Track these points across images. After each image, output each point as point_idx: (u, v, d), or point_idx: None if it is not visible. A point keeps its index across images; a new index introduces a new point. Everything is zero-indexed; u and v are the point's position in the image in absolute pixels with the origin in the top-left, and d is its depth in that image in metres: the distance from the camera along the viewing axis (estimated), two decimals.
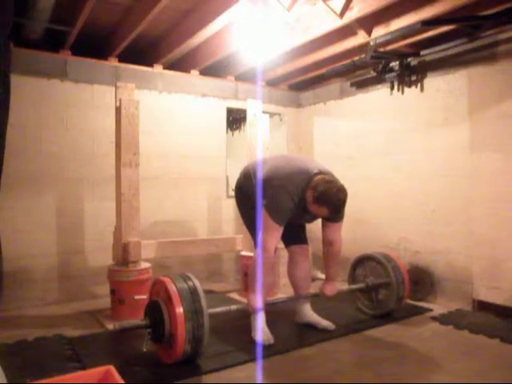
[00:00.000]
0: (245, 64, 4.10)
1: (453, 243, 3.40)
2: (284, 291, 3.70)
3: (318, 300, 3.01)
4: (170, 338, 2.21)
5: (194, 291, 2.26)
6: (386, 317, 3.06)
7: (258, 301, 2.55)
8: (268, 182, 2.56)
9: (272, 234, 2.49)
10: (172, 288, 2.23)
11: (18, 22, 3.16)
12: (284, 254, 3.09)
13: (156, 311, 2.26)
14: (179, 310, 2.16)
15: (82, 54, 3.70)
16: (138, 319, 2.34)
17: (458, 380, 2.11)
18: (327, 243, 2.76)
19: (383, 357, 2.41)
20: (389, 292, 3.02)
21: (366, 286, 3.10)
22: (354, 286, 3.18)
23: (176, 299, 2.19)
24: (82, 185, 3.70)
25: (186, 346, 2.16)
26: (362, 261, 3.25)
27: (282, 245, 2.90)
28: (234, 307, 2.61)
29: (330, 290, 2.85)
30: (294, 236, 2.89)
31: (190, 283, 2.30)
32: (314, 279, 4.04)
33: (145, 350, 2.26)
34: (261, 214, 2.52)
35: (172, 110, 4.15)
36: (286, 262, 3.05)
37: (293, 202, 2.47)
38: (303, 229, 2.95)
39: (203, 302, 2.23)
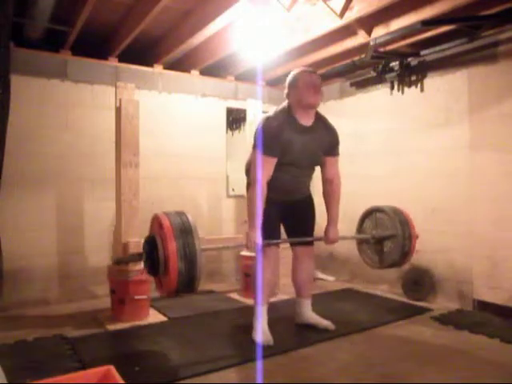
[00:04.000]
0: (245, 64, 4.10)
1: (453, 243, 3.40)
2: (284, 291, 3.70)
3: (318, 300, 3.01)
4: (165, 261, 2.23)
5: (182, 215, 2.33)
6: (387, 316, 3.06)
7: (258, 235, 2.49)
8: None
9: (261, 166, 2.49)
10: (162, 215, 2.32)
11: (18, 22, 3.16)
12: (285, 254, 3.08)
13: (151, 243, 2.31)
14: (167, 224, 2.22)
15: (82, 54, 3.70)
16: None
17: (458, 380, 2.11)
18: (327, 181, 2.77)
19: (383, 357, 2.42)
20: (394, 245, 2.94)
21: (372, 237, 3.03)
22: (358, 236, 3.13)
23: (164, 220, 2.25)
24: (82, 185, 3.70)
25: (180, 264, 2.17)
26: (371, 212, 3.13)
27: (284, 245, 2.88)
28: (231, 245, 2.62)
29: (333, 233, 2.79)
30: (299, 236, 2.83)
31: (183, 216, 2.36)
32: (314, 279, 4.04)
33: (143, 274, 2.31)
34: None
35: (172, 110, 4.15)
36: (286, 262, 3.04)
37: (278, 123, 2.51)
38: (311, 228, 2.88)
39: (191, 222, 2.29)
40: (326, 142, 2.67)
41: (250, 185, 2.55)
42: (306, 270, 2.85)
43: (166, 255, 2.21)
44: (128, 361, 2.34)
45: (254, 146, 2.53)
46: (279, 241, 2.71)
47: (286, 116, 2.57)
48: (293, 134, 2.53)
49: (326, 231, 2.81)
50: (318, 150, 2.66)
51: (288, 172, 2.61)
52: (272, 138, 2.48)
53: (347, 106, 4.39)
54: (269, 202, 2.58)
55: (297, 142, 2.54)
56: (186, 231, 2.24)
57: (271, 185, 2.57)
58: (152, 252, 2.31)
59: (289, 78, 2.65)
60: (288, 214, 2.76)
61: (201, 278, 2.26)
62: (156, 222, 2.39)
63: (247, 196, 2.58)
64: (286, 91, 2.64)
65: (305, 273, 2.85)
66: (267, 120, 2.56)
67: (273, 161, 2.51)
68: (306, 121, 2.58)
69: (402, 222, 2.96)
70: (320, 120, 2.67)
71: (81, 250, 3.71)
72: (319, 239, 2.85)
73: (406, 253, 2.94)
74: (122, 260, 2.28)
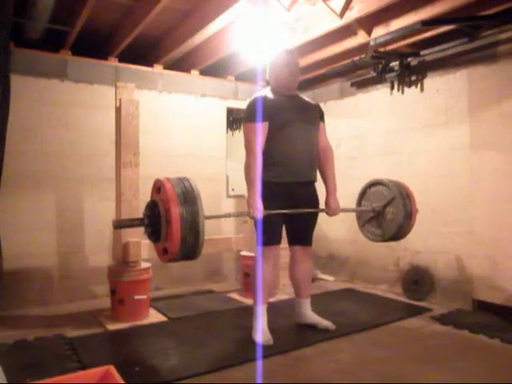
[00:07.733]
0: (245, 64, 4.10)
1: (453, 243, 3.40)
2: (284, 291, 3.70)
3: (318, 300, 3.01)
4: (166, 224, 2.15)
5: (184, 180, 2.25)
6: (386, 316, 3.06)
7: (259, 201, 2.48)
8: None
9: (252, 135, 2.55)
10: (164, 179, 2.24)
11: (18, 22, 3.16)
12: (285, 254, 3.08)
13: (152, 207, 2.24)
14: (169, 187, 2.14)
15: (82, 53, 3.70)
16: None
17: (458, 380, 2.11)
18: (321, 150, 2.82)
19: (383, 357, 2.41)
20: (396, 208, 2.89)
21: (373, 209, 2.98)
22: (360, 208, 3.07)
23: (167, 184, 2.17)
24: (82, 185, 3.70)
25: (182, 227, 2.10)
26: (365, 190, 3.10)
27: (284, 244, 2.88)
28: (233, 212, 2.59)
29: (334, 202, 2.78)
30: (299, 236, 2.83)
31: (185, 182, 2.27)
32: (314, 279, 4.04)
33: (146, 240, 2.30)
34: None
35: (172, 110, 4.15)
36: (286, 261, 3.04)
37: (261, 95, 2.64)
38: (311, 228, 2.87)
39: (194, 186, 2.20)
40: (313, 106, 2.82)
41: (246, 154, 2.60)
42: (303, 269, 2.84)
43: (167, 216, 2.13)
44: (128, 361, 2.34)
45: (244, 120, 2.67)
46: (280, 211, 2.62)
47: (269, 90, 2.74)
48: (279, 100, 2.67)
49: (327, 202, 2.80)
50: (309, 108, 2.78)
51: (289, 138, 2.63)
52: (257, 105, 2.59)
53: (347, 106, 4.39)
54: (272, 199, 2.57)
55: (285, 103, 2.68)
56: (188, 195, 2.17)
57: (276, 160, 2.60)
58: (153, 216, 2.22)
59: (270, 59, 2.80)
60: (292, 216, 2.70)
61: (203, 245, 2.20)
62: (157, 186, 2.29)
63: (244, 165, 2.61)
64: (268, 70, 2.81)
65: (303, 272, 2.84)
66: (252, 97, 2.71)
67: (263, 126, 2.59)
68: (289, 92, 2.75)
69: (398, 185, 2.94)
70: (301, 95, 2.86)
71: (81, 250, 3.71)
72: (322, 210, 2.82)
73: (409, 213, 2.86)
74: (122, 224, 2.24)
